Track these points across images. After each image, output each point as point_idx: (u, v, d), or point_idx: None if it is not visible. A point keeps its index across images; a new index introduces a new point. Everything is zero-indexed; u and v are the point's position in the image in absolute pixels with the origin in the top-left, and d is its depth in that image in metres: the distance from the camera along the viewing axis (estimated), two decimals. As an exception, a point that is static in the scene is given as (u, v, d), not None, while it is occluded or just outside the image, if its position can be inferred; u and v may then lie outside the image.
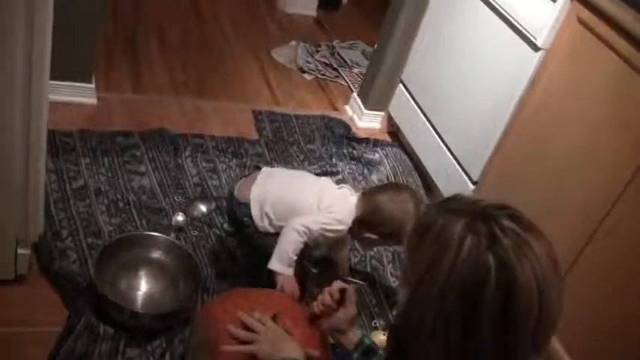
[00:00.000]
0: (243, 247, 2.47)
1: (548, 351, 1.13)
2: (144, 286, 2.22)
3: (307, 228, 2.13)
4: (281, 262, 2.12)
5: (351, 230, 2.23)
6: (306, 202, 2.21)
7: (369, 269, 2.58)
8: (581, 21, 2.29)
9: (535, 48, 2.47)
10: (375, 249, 2.62)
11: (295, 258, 2.13)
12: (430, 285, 1.09)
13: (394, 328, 1.24)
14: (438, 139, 3.03)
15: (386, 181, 3.06)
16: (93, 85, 3.03)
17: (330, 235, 2.20)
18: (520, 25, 2.55)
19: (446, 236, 1.09)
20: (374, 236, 2.21)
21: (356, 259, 2.60)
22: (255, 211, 2.21)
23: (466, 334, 1.06)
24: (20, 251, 2.05)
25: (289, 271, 2.13)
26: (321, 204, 2.21)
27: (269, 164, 2.95)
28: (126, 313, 2.04)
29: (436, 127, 3.06)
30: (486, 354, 1.07)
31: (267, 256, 2.26)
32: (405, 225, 2.11)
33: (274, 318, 1.83)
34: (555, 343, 2.21)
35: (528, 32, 2.50)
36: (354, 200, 2.24)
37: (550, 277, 1.08)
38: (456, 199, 1.18)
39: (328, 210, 2.20)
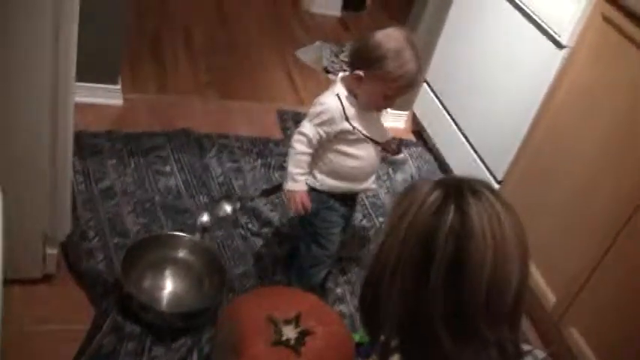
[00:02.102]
0: (268, 247, 2.49)
1: (516, 338, 1.14)
2: (169, 285, 2.25)
3: (299, 133, 2.06)
4: (287, 181, 2.09)
5: (350, 87, 2.05)
6: None
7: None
8: (606, 18, 2.27)
9: (559, 46, 2.45)
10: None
11: (299, 171, 2.07)
12: (397, 232, 1.12)
13: (365, 277, 1.26)
14: (463, 138, 3.02)
15: (411, 181, 3.06)
16: (119, 87, 3.06)
17: (326, 127, 2.04)
18: (544, 22, 2.53)
19: (417, 192, 1.13)
20: (361, 73, 1.99)
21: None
22: None
23: (420, 280, 1.08)
24: (48, 251, 2.09)
25: (296, 186, 2.08)
26: None
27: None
28: (151, 312, 2.06)
29: (460, 126, 3.05)
30: (438, 305, 1.08)
31: (292, 256, 2.29)
32: (393, 51, 1.95)
33: (297, 317, 1.85)
34: (579, 340, 2.21)
35: (552, 30, 2.48)
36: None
37: (510, 249, 1.08)
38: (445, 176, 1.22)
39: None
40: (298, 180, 2.09)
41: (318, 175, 2.13)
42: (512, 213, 1.11)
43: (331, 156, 2.11)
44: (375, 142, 2.14)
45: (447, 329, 1.08)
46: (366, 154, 2.14)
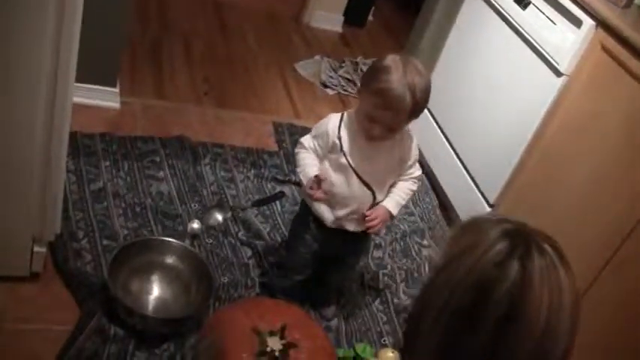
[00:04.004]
0: (257, 258, 2.48)
1: None
2: (156, 290, 2.24)
3: (298, 142, 2.12)
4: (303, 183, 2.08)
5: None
6: None
7: (381, 286, 2.58)
8: (604, 48, 2.29)
9: (558, 73, 2.47)
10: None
11: (301, 167, 2.07)
12: (450, 274, 1.08)
13: (411, 306, 1.26)
14: (457, 160, 3.03)
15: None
16: (117, 90, 3.06)
17: (319, 140, 2.06)
18: (544, 50, 2.55)
19: (483, 235, 1.08)
20: (359, 86, 2.04)
21: (369, 276, 2.60)
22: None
23: (464, 325, 1.05)
24: (36, 249, 2.08)
25: (304, 179, 2.05)
26: None
27: (287, 176, 2.97)
28: (136, 316, 2.05)
29: (455, 148, 3.06)
30: (476, 357, 1.05)
31: (280, 269, 2.28)
32: (386, 66, 1.92)
33: (282, 329, 1.84)
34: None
35: (552, 57, 2.50)
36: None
37: (563, 320, 1.04)
38: (510, 218, 1.15)
39: None
40: (304, 173, 2.06)
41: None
42: (572, 279, 1.08)
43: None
44: (359, 178, 2.07)
45: None
46: (341, 182, 2.07)
